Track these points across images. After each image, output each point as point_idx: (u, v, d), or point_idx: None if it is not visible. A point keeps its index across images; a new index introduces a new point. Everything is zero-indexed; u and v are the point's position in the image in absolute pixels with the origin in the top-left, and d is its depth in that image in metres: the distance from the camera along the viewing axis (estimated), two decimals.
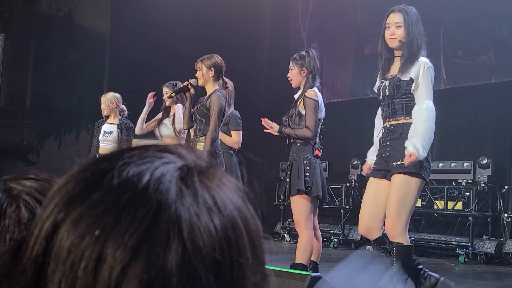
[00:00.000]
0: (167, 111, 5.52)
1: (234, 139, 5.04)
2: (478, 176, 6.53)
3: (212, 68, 4.38)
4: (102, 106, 5.92)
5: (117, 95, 5.95)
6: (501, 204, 6.45)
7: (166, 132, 5.48)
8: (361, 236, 7.56)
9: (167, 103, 5.49)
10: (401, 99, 3.34)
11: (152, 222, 0.41)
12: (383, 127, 3.46)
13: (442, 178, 6.69)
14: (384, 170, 3.36)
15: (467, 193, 6.54)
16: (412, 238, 7.15)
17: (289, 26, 9.21)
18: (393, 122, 3.39)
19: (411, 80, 3.32)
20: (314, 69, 4.06)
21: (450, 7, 6.60)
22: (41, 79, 8.68)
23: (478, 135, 6.81)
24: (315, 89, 4.03)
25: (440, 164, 6.63)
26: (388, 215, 3.24)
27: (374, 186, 3.41)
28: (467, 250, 6.32)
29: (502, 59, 6.82)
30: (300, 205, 3.90)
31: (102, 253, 0.40)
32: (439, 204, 6.71)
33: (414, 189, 3.23)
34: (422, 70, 3.31)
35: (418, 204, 7.13)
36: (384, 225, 3.32)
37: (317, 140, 4.02)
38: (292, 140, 4.03)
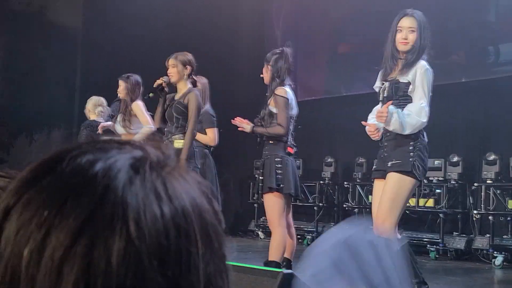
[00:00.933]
0: (125, 104, 5.27)
1: (210, 136, 5.02)
2: (448, 173, 6.64)
3: (188, 66, 4.36)
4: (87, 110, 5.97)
5: (96, 99, 5.91)
6: (471, 201, 6.58)
7: (121, 129, 5.24)
8: None
9: (121, 95, 5.28)
10: (398, 101, 3.40)
11: (97, 206, 0.41)
12: (382, 128, 3.49)
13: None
14: (382, 170, 3.44)
15: (438, 190, 6.65)
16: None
17: (264, 24, 9.22)
18: None
19: (409, 83, 3.38)
20: (280, 68, 4.07)
21: (421, 6, 6.69)
22: (11, 76, 8.52)
23: (448, 133, 6.93)
24: (286, 87, 4.05)
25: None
26: (378, 211, 3.31)
27: (378, 187, 3.48)
28: (438, 247, 6.43)
29: (472, 58, 6.95)
30: (272, 203, 3.91)
31: (47, 235, 0.41)
32: (411, 201, 6.81)
33: (406, 188, 3.31)
34: (419, 73, 3.37)
35: None
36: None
37: (289, 137, 4.04)
38: (264, 139, 4.05)
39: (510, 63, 6.68)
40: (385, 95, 3.48)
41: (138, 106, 5.15)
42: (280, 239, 3.87)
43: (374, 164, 3.59)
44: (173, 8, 8.45)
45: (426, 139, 3.47)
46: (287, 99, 4.00)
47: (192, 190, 0.46)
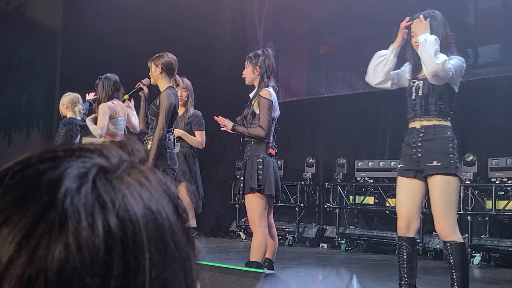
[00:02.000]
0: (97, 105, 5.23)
1: (199, 139, 5.01)
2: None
3: (159, 65, 4.33)
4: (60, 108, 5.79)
5: (74, 96, 5.78)
6: None
7: (94, 129, 5.11)
8: (316, 234, 7.68)
9: (90, 96, 5.23)
10: (435, 99, 3.44)
11: (38, 219, 0.41)
12: (411, 128, 3.53)
13: (393, 176, 6.83)
14: (414, 170, 3.46)
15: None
16: (364, 235, 7.31)
17: (246, 25, 9.22)
18: (425, 123, 3.46)
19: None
20: (268, 69, 4.09)
21: (399, 8, 6.75)
22: None
23: None
24: (270, 88, 4.05)
25: (392, 163, 6.78)
26: (436, 217, 3.35)
27: (407, 185, 3.50)
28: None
29: None
30: (253, 204, 3.92)
31: None
32: (391, 202, 6.87)
33: (455, 188, 3.38)
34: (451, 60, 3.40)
35: (371, 201, 7.28)
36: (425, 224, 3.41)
37: (271, 138, 4.04)
38: (246, 139, 4.05)
39: (488, 66, 6.78)
40: (419, 94, 3.50)
41: (102, 107, 5.06)
42: (261, 240, 3.88)
43: (401, 163, 3.56)
44: (153, 8, 8.41)
45: None
46: (272, 101, 4.01)
47: (148, 195, 0.44)
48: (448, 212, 3.33)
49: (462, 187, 6.37)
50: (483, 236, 6.22)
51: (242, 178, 3.97)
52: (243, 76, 4.14)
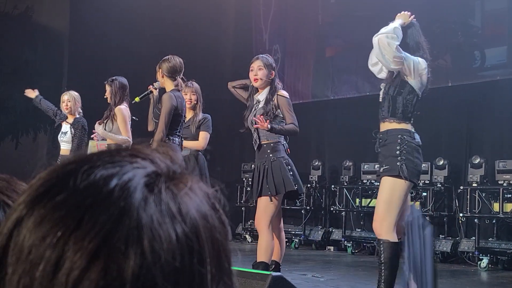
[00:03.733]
0: (110, 108, 5.19)
1: (200, 142, 4.96)
2: (434, 177, 6.69)
3: (161, 70, 4.35)
4: (67, 104, 5.74)
5: (78, 95, 5.82)
6: (457, 204, 6.63)
7: (103, 133, 5.08)
8: (322, 236, 7.66)
9: (108, 99, 5.21)
10: (388, 102, 3.54)
11: (113, 228, 0.40)
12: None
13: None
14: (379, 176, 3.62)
15: (424, 194, 6.70)
16: (371, 238, 7.29)
17: (251, 28, 9.23)
18: (382, 128, 3.58)
19: (398, 77, 3.50)
20: (278, 73, 4.20)
21: (407, 10, 6.74)
22: None
23: (435, 137, 6.98)
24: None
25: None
26: (376, 214, 3.47)
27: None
28: None
29: (458, 63, 7.01)
30: (272, 205, 3.94)
31: (62, 256, 0.40)
32: None
33: (400, 191, 3.43)
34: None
35: None
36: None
37: (284, 139, 4.11)
38: (262, 141, 4.04)
39: (495, 68, 6.75)
40: (379, 98, 3.63)
41: (121, 112, 5.05)
42: (269, 241, 3.90)
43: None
44: (158, 11, 8.44)
45: (417, 140, 3.55)
46: (290, 100, 4.10)
47: (203, 206, 0.45)
48: (388, 212, 3.41)
49: (469, 190, 6.35)
50: (490, 239, 6.19)
51: (268, 179, 3.93)
52: (256, 77, 4.09)
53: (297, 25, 8.69)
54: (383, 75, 3.70)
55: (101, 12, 8.22)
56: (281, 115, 4.02)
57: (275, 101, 4.01)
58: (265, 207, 3.93)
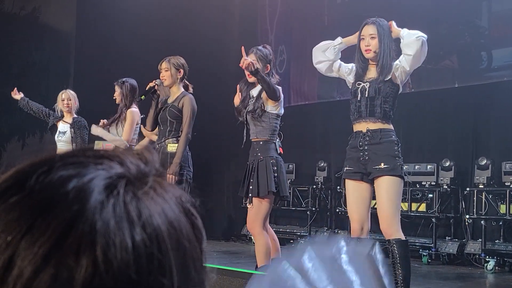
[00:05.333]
0: (120, 110, 5.23)
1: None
2: (441, 178, 6.66)
3: (181, 70, 4.36)
4: (67, 103, 5.73)
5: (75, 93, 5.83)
6: (463, 206, 6.60)
7: (114, 134, 5.10)
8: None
9: (117, 101, 5.23)
10: (380, 101, 3.55)
11: (65, 233, 0.39)
12: (357, 131, 3.64)
13: (406, 180, 6.81)
14: (361, 173, 3.58)
15: (430, 195, 6.67)
16: (376, 239, 7.25)
17: (256, 29, 9.23)
18: (371, 126, 3.56)
19: (390, 80, 3.56)
20: (273, 66, 4.14)
21: (412, 12, 6.73)
22: (4, 79, 8.48)
23: (441, 138, 6.95)
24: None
25: (404, 167, 6.74)
26: (383, 216, 3.45)
27: (355, 188, 3.61)
28: (430, 251, 6.44)
29: (464, 64, 6.98)
30: (264, 207, 3.85)
31: (11, 261, 0.38)
32: (403, 206, 6.82)
33: (400, 189, 3.52)
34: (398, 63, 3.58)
35: None
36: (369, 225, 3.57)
37: (277, 137, 4.01)
38: (252, 138, 3.97)
39: (502, 69, 6.72)
40: (365, 95, 3.64)
41: (132, 115, 5.06)
42: (267, 244, 3.82)
43: (347, 166, 3.68)
44: (164, 13, 8.46)
45: None
46: (281, 95, 4.04)
47: (170, 211, 0.43)
48: (394, 212, 3.43)
49: (476, 192, 6.33)
50: (497, 241, 6.15)
51: (253, 180, 3.85)
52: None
53: (303, 26, 8.68)
54: (332, 73, 3.85)
55: (107, 13, 8.25)
56: (273, 111, 3.96)
57: (264, 97, 3.93)
58: (256, 210, 3.84)
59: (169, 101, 4.43)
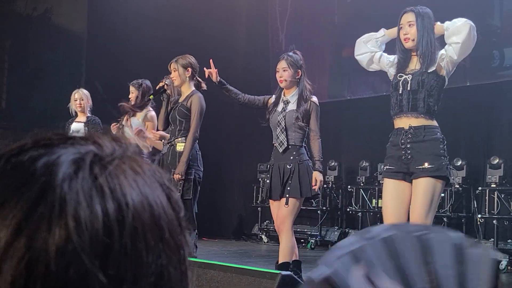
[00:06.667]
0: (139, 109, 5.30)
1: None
2: (452, 177, 6.63)
3: (189, 68, 4.38)
4: (80, 102, 5.75)
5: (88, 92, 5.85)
6: (475, 205, 6.56)
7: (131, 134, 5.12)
8: (338, 237, 7.63)
9: (133, 102, 5.29)
10: (424, 95, 3.34)
11: (35, 204, 0.41)
12: (398, 128, 3.40)
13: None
14: (403, 173, 3.35)
15: (442, 194, 6.64)
16: None
17: (267, 28, 9.24)
18: (413, 122, 3.33)
19: (434, 72, 3.36)
20: (305, 73, 4.16)
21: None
22: (17, 79, 8.56)
23: (452, 137, 6.90)
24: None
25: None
26: (415, 217, 3.23)
27: (395, 187, 3.36)
28: None
29: (476, 62, 6.94)
30: (296, 207, 3.98)
31: None
32: None
33: (439, 191, 3.30)
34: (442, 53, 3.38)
35: None
36: None
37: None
38: (291, 144, 4.02)
39: None
40: (407, 88, 3.43)
41: (154, 119, 5.13)
42: (294, 242, 3.96)
43: (388, 165, 3.42)
44: (174, 14, 8.50)
45: None
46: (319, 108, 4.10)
47: (143, 183, 0.45)
48: (428, 214, 3.23)
49: (487, 191, 6.29)
50: (509, 241, 6.12)
51: (291, 181, 3.93)
52: (281, 78, 4.07)
53: (314, 26, 8.68)
54: (372, 66, 3.64)
55: (119, 14, 8.30)
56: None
57: (308, 106, 4.03)
58: (291, 209, 3.93)
59: (180, 100, 4.45)
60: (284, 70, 4.06)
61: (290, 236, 3.91)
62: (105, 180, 0.43)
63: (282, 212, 3.94)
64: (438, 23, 3.45)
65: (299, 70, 4.08)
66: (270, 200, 4.10)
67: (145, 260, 0.42)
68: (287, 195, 3.92)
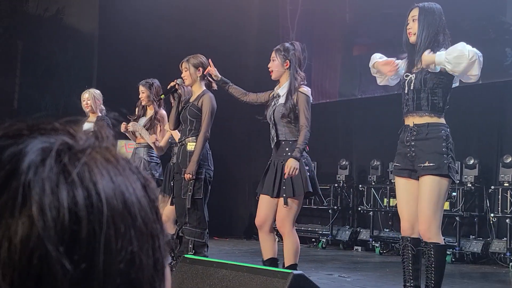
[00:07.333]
0: (144, 110, 5.33)
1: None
2: (465, 176, 6.58)
3: (200, 68, 4.38)
4: (87, 102, 5.75)
5: (99, 93, 5.86)
6: (488, 204, 6.51)
7: (146, 134, 5.16)
8: (349, 236, 7.61)
9: (144, 102, 5.29)
10: (427, 94, 3.34)
11: (1, 190, 0.40)
12: (406, 125, 3.43)
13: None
14: (409, 170, 3.38)
15: (454, 193, 6.60)
16: (399, 238, 7.21)
17: (278, 27, 9.23)
18: (417, 120, 3.34)
19: (440, 71, 3.33)
20: (299, 62, 3.96)
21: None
22: (29, 79, 8.62)
23: (465, 135, 6.87)
24: (306, 86, 3.94)
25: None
26: (422, 217, 3.26)
27: (405, 186, 3.41)
28: (454, 250, 6.37)
29: (488, 60, 6.87)
30: (296, 206, 3.84)
31: None
32: None
33: (445, 190, 3.30)
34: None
35: None
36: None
37: None
38: (280, 138, 3.91)
39: None
40: (411, 88, 3.43)
41: (165, 119, 5.14)
42: (297, 242, 3.85)
43: (395, 162, 3.46)
44: (185, 13, 8.51)
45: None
46: (310, 98, 3.91)
47: (115, 171, 0.44)
48: (435, 214, 3.24)
49: (500, 190, 6.23)
50: None
51: (285, 180, 3.76)
52: (270, 69, 3.96)
53: (324, 24, 8.65)
54: (394, 78, 3.64)
55: (129, 14, 8.33)
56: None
57: (294, 99, 3.83)
58: (288, 209, 3.79)
59: (191, 100, 4.45)
60: (272, 60, 3.96)
61: (292, 237, 3.80)
62: (73, 167, 0.42)
63: (281, 213, 3.82)
64: (426, 53, 3.34)
65: (288, 61, 3.90)
66: (260, 195, 3.94)
67: (115, 246, 0.42)
68: (284, 195, 3.79)
